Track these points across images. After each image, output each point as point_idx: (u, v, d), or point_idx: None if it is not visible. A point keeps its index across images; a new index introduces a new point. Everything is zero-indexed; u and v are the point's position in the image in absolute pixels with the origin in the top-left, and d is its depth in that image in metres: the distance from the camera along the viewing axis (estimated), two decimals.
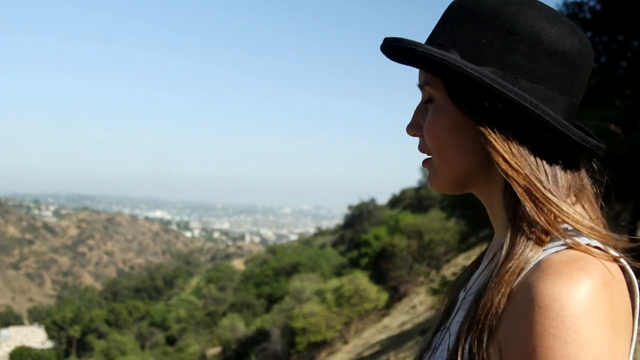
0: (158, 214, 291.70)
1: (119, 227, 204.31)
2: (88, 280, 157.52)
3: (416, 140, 1.11)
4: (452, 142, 0.99)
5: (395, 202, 54.19)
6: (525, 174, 0.93)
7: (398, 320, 24.68)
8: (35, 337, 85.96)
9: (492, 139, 0.94)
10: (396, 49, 1.00)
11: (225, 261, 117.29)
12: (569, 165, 0.99)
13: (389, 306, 28.37)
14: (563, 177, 0.97)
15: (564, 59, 0.95)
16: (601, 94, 7.73)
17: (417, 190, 48.60)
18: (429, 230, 28.16)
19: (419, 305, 24.37)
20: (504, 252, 0.92)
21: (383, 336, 23.25)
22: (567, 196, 0.97)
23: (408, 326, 21.76)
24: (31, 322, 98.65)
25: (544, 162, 0.96)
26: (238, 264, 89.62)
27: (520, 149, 0.94)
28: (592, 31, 8.96)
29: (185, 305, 63.44)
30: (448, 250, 28.44)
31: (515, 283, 0.87)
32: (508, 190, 0.96)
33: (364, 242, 37.19)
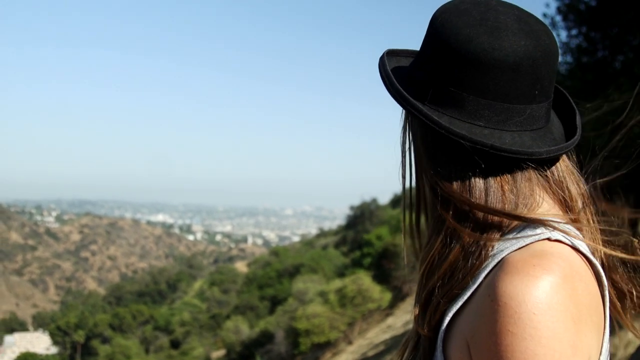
0: (160, 217, 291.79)
1: (122, 232, 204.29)
2: (91, 285, 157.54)
3: None
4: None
5: (397, 201, 54.12)
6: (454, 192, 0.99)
7: (402, 319, 24.67)
8: (40, 342, 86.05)
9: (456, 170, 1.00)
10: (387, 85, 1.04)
11: (228, 264, 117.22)
12: (515, 173, 1.00)
13: (392, 306, 28.35)
14: (510, 187, 0.99)
15: (514, 70, 0.95)
16: (598, 88, 7.75)
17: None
18: None
19: None
20: None
21: (387, 336, 23.25)
22: (525, 200, 0.99)
23: (412, 325, 21.73)
24: (35, 328, 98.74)
25: (477, 179, 0.99)
26: (241, 267, 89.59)
27: (452, 173, 1.00)
28: (587, 26, 8.99)
29: (188, 309, 63.47)
30: None
31: (479, 281, 0.90)
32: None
33: (366, 242, 37.13)
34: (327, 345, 28.66)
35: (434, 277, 0.99)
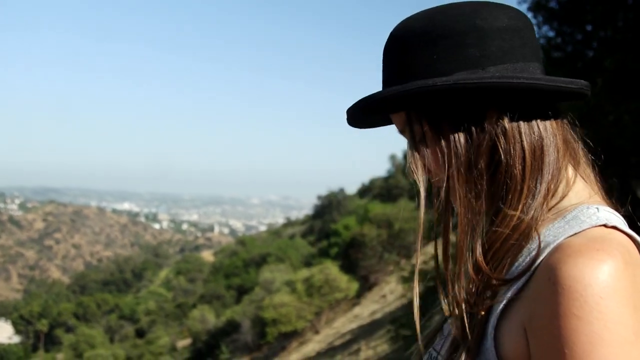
0: (126, 206, 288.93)
1: (86, 220, 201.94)
2: (55, 273, 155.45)
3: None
4: (462, 158, 0.98)
5: (364, 191, 54.37)
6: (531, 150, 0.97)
7: (369, 309, 24.77)
8: (2, 332, 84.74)
9: (501, 132, 0.96)
10: (368, 108, 1.02)
11: (194, 253, 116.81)
12: (557, 130, 1.00)
13: (359, 295, 28.46)
14: (558, 147, 0.98)
15: (510, 32, 0.98)
16: None
17: (386, 179, 48.86)
18: (398, 219, 28.24)
19: (389, 294, 24.47)
20: None
21: (354, 325, 23.31)
22: (565, 167, 0.99)
23: (379, 315, 21.84)
24: None
25: (544, 132, 0.98)
26: (207, 256, 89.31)
27: (521, 128, 0.97)
28: (558, 22, 9.03)
29: (154, 298, 63.09)
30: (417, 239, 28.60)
31: (534, 265, 0.88)
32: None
33: (334, 232, 37.26)
34: (294, 334, 28.66)
35: (483, 261, 0.95)
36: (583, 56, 8.83)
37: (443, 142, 0.97)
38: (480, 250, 0.95)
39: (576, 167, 1.02)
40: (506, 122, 0.96)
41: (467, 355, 0.93)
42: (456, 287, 0.96)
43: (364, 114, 1.06)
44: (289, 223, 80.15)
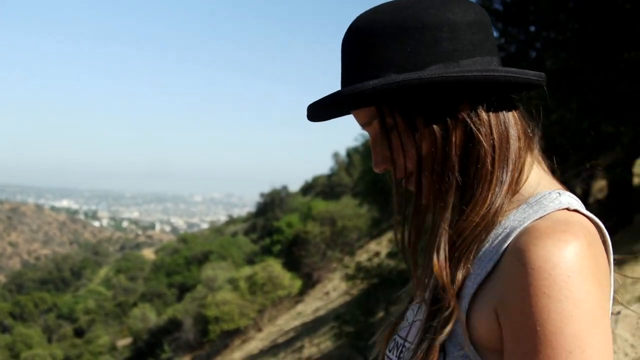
0: (65, 203, 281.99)
1: (24, 217, 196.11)
2: None
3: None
4: (437, 151, 1.01)
5: (307, 189, 54.48)
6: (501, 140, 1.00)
7: (312, 306, 24.75)
8: None
9: (474, 124, 0.98)
10: (334, 105, 1.01)
11: (135, 251, 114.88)
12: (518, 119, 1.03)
13: (302, 293, 28.43)
14: (519, 136, 1.02)
15: (477, 26, 0.99)
16: None
17: (329, 177, 49.10)
18: (341, 216, 28.36)
19: (332, 291, 24.50)
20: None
21: (297, 323, 23.25)
22: (525, 156, 1.02)
23: (322, 312, 21.83)
24: None
25: (509, 123, 1.01)
26: (148, 254, 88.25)
27: (491, 119, 0.99)
28: (503, 22, 9.11)
29: (93, 296, 61.75)
30: (361, 236, 28.77)
31: (501, 250, 0.92)
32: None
33: (277, 230, 37.17)
34: (237, 332, 28.44)
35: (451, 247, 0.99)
36: (526, 56, 8.94)
37: (417, 135, 0.99)
38: (445, 248, 0.98)
39: (533, 156, 1.04)
40: (481, 114, 0.98)
41: (445, 322, 0.95)
42: (435, 256, 0.98)
43: (331, 109, 1.03)
44: (232, 221, 79.80)
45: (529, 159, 1.02)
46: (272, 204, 54.65)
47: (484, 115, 0.98)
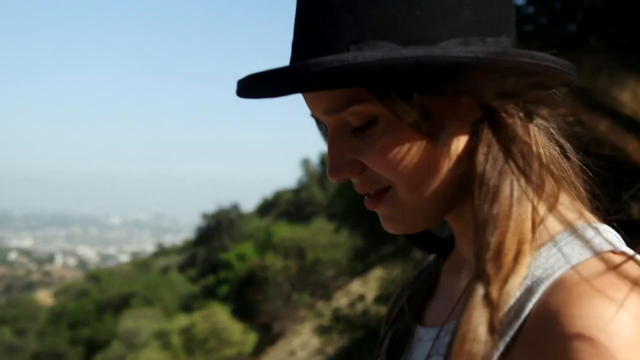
0: None
1: None
2: None
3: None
4: (431, 161, 0.98)
5: (266, 208, 54.52)
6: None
7: None
8: None
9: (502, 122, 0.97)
10: (306, 80, 0.94)
11: (25, 293, 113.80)
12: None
13: (259, 351, 28.41)
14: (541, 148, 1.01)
15: None
16: None
17: (296, 192, 49.05)
18: (312, 246, 28.40)
19: (300, 349, 24.50)
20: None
21: None
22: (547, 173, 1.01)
23: None
24: None
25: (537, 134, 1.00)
26: (44, 297, 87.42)
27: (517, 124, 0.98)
28: None
29: None
30: (339, 273, 28.74)
31: (526, 309, 0.88)
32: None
33: (224, 264, 37.06)
34: None
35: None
36: (563, 31, 9.05)
37: (415, 134, 0.96)
38: None
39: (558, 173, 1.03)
40: (505, 116, 0.96)
41: None
42: None
43: (290, 85, 0.96)
44: (162, 251, 79.46)
45: (551, 178, 1.00)
46: (218, 228, 54.59)
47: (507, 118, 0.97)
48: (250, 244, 35.91)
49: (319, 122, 1.11)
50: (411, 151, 0.97)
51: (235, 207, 56.20)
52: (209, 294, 37.75)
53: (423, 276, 1.25)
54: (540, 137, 1.00)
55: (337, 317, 16.04)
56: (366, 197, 1.05)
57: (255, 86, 0.99)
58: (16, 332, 63.71)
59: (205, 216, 59.23)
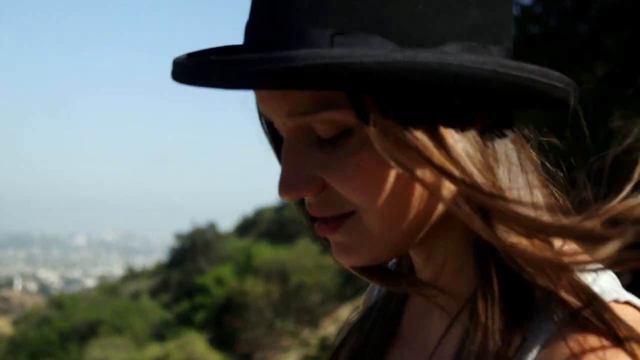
0: None
1: None
2: None
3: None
4: (414, 187, 0.91)
5: (246, 227, 54.55)
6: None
7: None
8: None
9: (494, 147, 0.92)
10: (276, 75, 0.81)
11: None
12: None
13: None
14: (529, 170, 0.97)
15: None
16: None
17: (278, 210, 49.04)
18: (297, 269, 28.42)
19: None
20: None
21: None
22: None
23: None
24: None
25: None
26: (3, 325, 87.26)
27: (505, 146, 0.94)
28: None
29: None
30: (326, 298, 28.74)
31: None
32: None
33: (200, 289, 37.05)
34: None
35: None
36: (573, 33, 9.06)
37: (395, 149, 0.85)
38: None
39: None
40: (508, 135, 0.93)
41: None
42: None
43: (263, 79, 0.82)
44: (132, 275, 79.30)
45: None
46: (194, 249, 54.46)
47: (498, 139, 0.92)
48: (229, 267, 35.94)
49: (267, 123, 1.01)
50: (391, 174, 0.88)
51: (212, 226, 56.12)
52: (184, 321, 37.69)
53: (372, 319, 1.16)
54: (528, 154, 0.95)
55: (325, 346, 16.02)
56: (319, 220, 0.95)
57: (206, 72, 0.86)
58: None
59: (179, 236, 59.09)
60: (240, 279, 30.48)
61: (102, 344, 37.63)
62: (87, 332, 45.12)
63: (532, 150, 0.96)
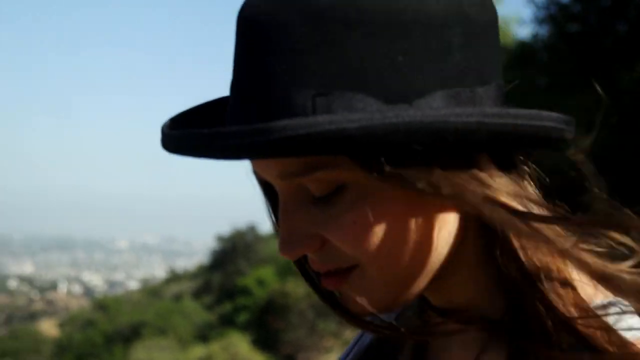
0: None
1: None
2: None
3: None
4: (403, 235, 0.90)
5: None
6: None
7: None
8: None
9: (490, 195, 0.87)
10: (262, 145, 0.80)
11: (28, 324, 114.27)
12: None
13: None
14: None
15: (495, 30, 0.92)
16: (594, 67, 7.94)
17: None
18: None
19: None
20: None
21: None
22: None
23: None
24: None
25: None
26: (48, 328, 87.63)
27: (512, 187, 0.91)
28: None
29: None
30: None
31: None
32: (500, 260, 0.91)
33: (242, 290, 37.01)
34: None
35: None
36: (612, 31, 9.00)
37: (391, 205, 0.88)
38: None
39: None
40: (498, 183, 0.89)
41: None
42: None
43: (247, 150, 0.82)
44: (174, 277, 79.46)
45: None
46: (235, 252, 54.55)
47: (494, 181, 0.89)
48: (270, 268, 35.90)
49: (263, 183, 1.01)
50: (388, 226, 0.88)
51: (252, 228, 56.18)
52: (227, 322, 37.71)
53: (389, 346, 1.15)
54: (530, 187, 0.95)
55: None
56: (323, 275, 0.95)
57: (190, 146, 0.87)
58: None
59: (220, 238, 59.17)
60: (282, 280, 30.45)
61: (146, 346, 37.72)
62: (131, 334, 45.27)
63: (532, 183, 0.95)
